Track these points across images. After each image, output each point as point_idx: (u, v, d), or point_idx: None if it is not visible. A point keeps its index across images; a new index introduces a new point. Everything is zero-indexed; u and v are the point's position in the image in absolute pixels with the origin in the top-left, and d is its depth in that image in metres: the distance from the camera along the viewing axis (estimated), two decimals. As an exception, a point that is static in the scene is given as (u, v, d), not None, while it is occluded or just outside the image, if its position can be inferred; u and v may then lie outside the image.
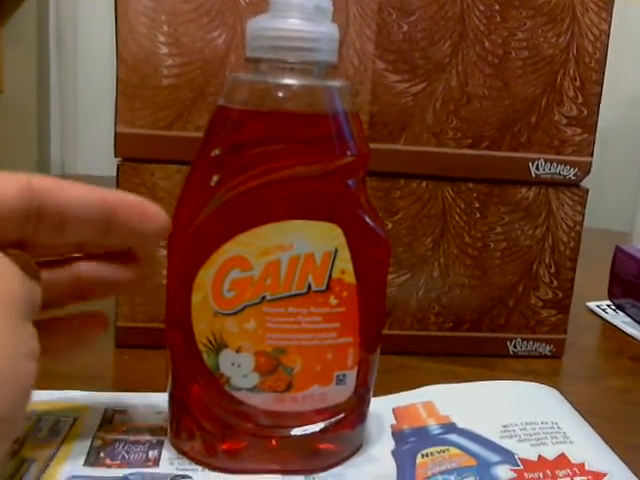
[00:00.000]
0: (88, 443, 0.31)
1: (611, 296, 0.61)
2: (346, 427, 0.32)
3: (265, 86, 0.29)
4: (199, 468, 0.30)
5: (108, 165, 0.43)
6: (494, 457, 0.32)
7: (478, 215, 0.45)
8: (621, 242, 0.64)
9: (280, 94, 0.28)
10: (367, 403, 0.33)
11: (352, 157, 0.29)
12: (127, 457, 0.31)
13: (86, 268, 0.29)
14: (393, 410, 0.36)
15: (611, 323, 0.56)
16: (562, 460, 0.32)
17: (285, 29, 0.28)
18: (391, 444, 0.33)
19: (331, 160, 0.29)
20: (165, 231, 0.29)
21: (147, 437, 0.32)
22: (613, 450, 0.34)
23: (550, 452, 0.32)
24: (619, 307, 0.60)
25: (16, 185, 0.25)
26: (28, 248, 0.27)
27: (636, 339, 0.53)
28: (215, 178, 0.29)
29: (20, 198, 0.25)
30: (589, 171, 0.45)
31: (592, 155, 0.45)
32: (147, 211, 0.28)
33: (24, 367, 0.22)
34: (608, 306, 0.60)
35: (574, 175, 0.45)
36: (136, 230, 0.28)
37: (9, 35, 1.18)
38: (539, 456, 0.32)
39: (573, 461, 0.32)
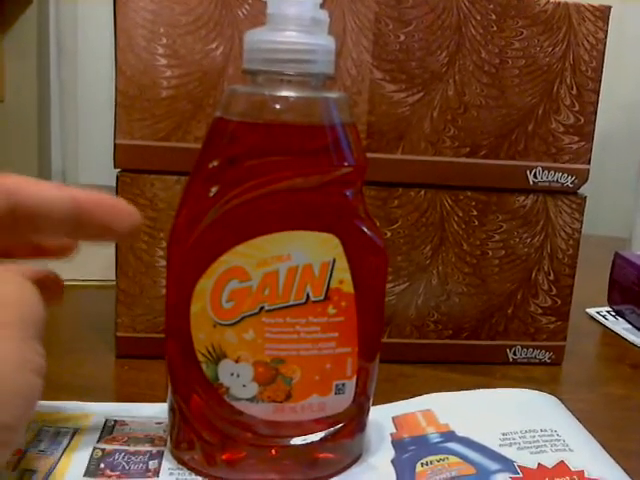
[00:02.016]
0: (88, 454, 0.32)
1: (611, 302, 0.61)
2: (346, 436, 0.32)
3: (262, 98, 0.29)
4: (199, 478, 0.30)
5: (109, 175, 0.43)
6: (494, 465, 0.32)
7: (476, 223, 0.45)
8: (620, 248, 0.64)
9: (277, 106, 0.29)
10: (366, 412, 0.33)
11: (349, 168, 0.29)
12: (127, 468, 0.31)
13: None
14: (393, 419, 0.36)
15: (611, 329, 0.56)
16: (561, 468, 0.32)
17: (282, 42, 0.28)
18: (391, 453, 0.33)
19: (328, 171, 0.29)
20: (138, 227, 0.30)
21: (147, 447, 0.32)
22: (612, 457, 0.34)
23: (549, 460, 0.32)
24: (619, 313, 0.60)
25: None
26: None
27: (636, 345, 0.53)
28: (213, 189, 0.29)
29: (3, 200, 0.26)
30: (587, 179, 0.45)
31: (589, 163, 0.45)
32: (118, 208, 0.29)
33: (31, 381, 0.24)
34: (608, 312, 0.60)
35: (572, 183, 0.45)
36: (107, 227, 0.29)
37: (10, 45, 1.19)
38: (538, 464, 0.32)
39: (572, 469, 0.32)
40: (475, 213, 0.45)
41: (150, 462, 0.31)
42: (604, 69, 0.44)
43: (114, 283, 0.43)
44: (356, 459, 0.33)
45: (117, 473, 0.30)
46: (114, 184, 0.42)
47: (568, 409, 0.38)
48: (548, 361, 0.48)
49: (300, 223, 0.29)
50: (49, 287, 0.30)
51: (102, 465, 0.31)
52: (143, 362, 0.42)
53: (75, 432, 0.33)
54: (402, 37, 0.42)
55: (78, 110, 1.21)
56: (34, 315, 0.25)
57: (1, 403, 0.22)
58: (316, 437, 0.31)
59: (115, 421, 0.34)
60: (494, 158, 0.44)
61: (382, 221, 0.44)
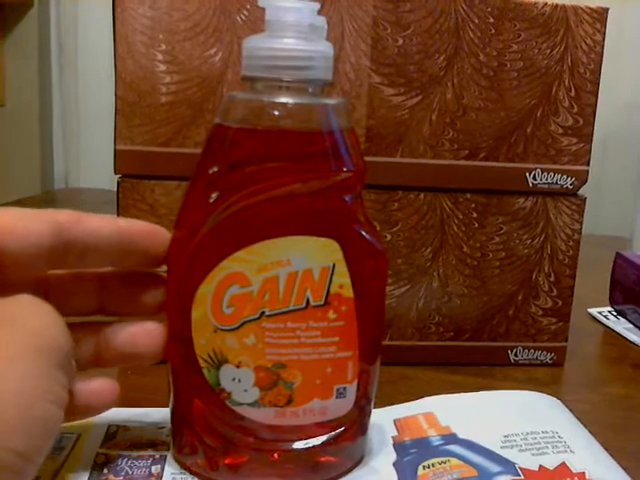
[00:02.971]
0: (91, 459, 0.32)
1: (612, 302, 0.61)
2: (347, 439, 0.32)
3: (261, 104, 0.29)
4: (202, 483, 0.31)
5: (111, 178, 0.43)
6: (495, 467, 0.32)
7: (476, 225, 0.45)
8: (621, 248, 0.64)
9: (276, 112, 0.29)
10: (368, 415, 0.33)
11: (348, 173, 0.29)
12: (130, 472, 0.31)
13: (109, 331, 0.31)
14: (394, 421, 0.36)
15: (613, 329, 0.57)
16: (563, 470, 0.32)
17: (280, 48, 0.28)
18: (392, 456, 0.34)
19: (327, 177, 0.29)
20: (162, 249, 0.30)
21: (150, 452, 0.33)
22: (614, 458, 0.34)
23: (551, 462, 0.32)
24: (620, 313, 0.60)
25: (47, 223, 0.27)
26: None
27: (638, 345, 0.53)
28: (213, 195, 0.29)
29: (51, 236, 0.27)
30: (586, 180, 0.45)
31: (589, 164, 0.45)
32: (156, 233, 0.30)
33: (50, 412, 0.23)
34: (609, 312, 0.60)
35: (571, 184, 0.45)
36: (150, 253, 0.30)
37: (11, 49, 1.19)
38: (540, 466, 0.32)
39: (574, 470, 0.32)
40: (475, 215, 0.45)
41: (153, 467, 0.31)
42: (602, 71, 0.44)
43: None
44: (358, 462, 0.33)
45: (120, 478, 0.31)
46: (115, 188, 0.42)
47: (570, 410, 0.38)
48: (549, 362, 0.48)
49: (300, 228, 0.29)
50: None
51: (105, 470, 0.31)
52: (145, 367, 0.42)
53: (78, 437, 0.33)
54: (400, 41, 0.42)
55: (79, 114, 1.21)
56: (57, 345, 0.25)
57: (16, 431, 0.22)
58: (318, 441, 0.31)
59: (118, 426, 0.35)
60: (493, 160, 0.44)
61: (382, 224, 0.44)
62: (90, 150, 1.20)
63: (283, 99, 0.29)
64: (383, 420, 0.36)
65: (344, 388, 0.31)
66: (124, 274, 0.31)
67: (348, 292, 0.30)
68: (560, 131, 0.44)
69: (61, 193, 1.15)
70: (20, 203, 0.92)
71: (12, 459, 0.21)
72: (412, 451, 0.34)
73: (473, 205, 0.45)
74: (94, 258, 0.29)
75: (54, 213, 0.28)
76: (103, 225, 0.29)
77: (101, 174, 1.08)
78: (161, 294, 0.31)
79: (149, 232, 0.30)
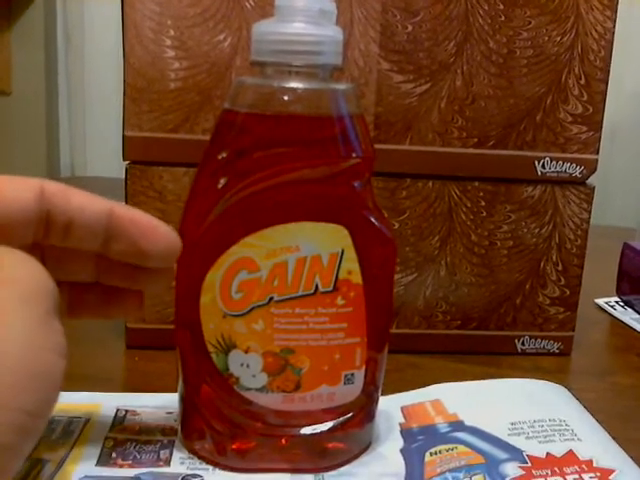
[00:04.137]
0: (100, 443, 0.32)
1: (619, 293, 0.61)
2: (355, 426, 0.32)
3: (270, 89, 0.29)
4: (210, 467, 0.31)
5: (118, 167, 0.43)
6: (502, 455, 0.32)
7: (484, 214, 0.45)
8: (629, 239, 0.64)
9: (285, 97, 0.29)
10: (375, 402, 0.33)
11: (357, 159, 0.29)
12: (139, 457, 0.31)
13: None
14: (402, 409, 0.36)
15: (620, 320, 0.56)
16: (570, 457, 0.32)
17: (290, 33, 0.28)
18: (400, 442, 0.34)
19: (337, 162, 0.29)
20: (173, 252, 0.28)
21: (158, 437, 0.33)
22: (621, 446, 0.34)
23: (558, 449, 0.32)
24: (627, 304, 0.60)
25: (31, 190, 0.26)
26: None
27: (644, 335, 0.53)
28: (222, 181, 0.29)
29: (36, 203, 0.26)
30: (595, 169, 0.45)
31: (598, 153, 0.45)
32: (153, 228, 0.28)
33: (50, 361, 0.22)
34: (617, 302, 0.60)
35: (580, 173, 0.45)
36: (139, 246, 0.28)
37: (17, 37, 1.19)
38: (547, 453, 0.32)
39: (581, 458, 0.32)
40: (483, 204, 0.45)
41: (161, 451, 0.32)
42: (613, 58, 0.44)
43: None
44: (365, 449, 0.33)
45: (129, 462, 0.31)
46: (123, 176, 0.42)
47: (577, 399, 0.38)
48: (556, 351, 0.48)
49: (309, 214, 0.29)
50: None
51: (114, 455, 0.31)
52: (153, 353, 0.43)
53: (87, 422, 0.34)
54: (410, 28, 0.42)
55: (85, 102, 1.21)
56: (45, 289, 0.23)
57: (24, 389, 0.20)
58: (325, 427, 0.31)
59: (126, 411, 0.35)
60: (502, 148, 0.44)
61: (390, 212, 0.44)
62: (96, 138, 1.20)
63: (292, 84, 0.29)
64: (390, 407, 0.36)
65: (352, 374, 0.31)
66: None
67: (357, 278, 0.30)
68: (569, 119, 0.44)
69: (67, 181, 1.15)
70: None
71: (23, 419, 0.20)
72: (419, 438, 0.34)
73: (481, 193, 0.45)
74: (79, 235, 0.27)
75: (42, 182, 0.27)
76: (91, 203, 0.27)
77: (107, 162, 1.08)
78: (163, 274, 0.30)
79: (144, 224, 0.28)
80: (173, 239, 0.28)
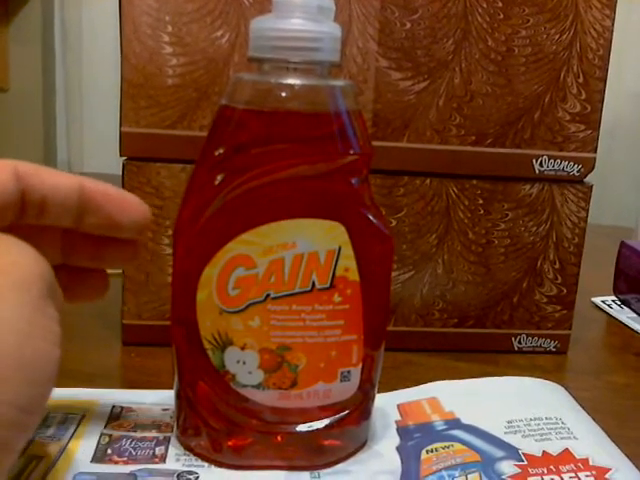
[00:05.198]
0: (95, 440, 0.32)
1: (616, 292, 0.61)
2: (351, 423, 0.32)
3: (268, 86, 0.29)
4: (205, 464, 0.31)
5: (115, 163, 0.43)
6: (498, 453, 0.32)
7: (482, 212, 0.45)
8: (626, 237, 0.64)
9: (283, 94, 0.29)
10: (372, 399, 0.33)
11: (355, 156, 0.29)
12: (134, 453, 0.31)
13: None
14: (398, 406, 0.36)
15: (616, 318, 0.56)
16: (566, 455, 0.32)
17: (287, 29, 0.28)
18: (396, 440, 0.34)
19: (334, 159, 0.29)
20: (144, 221, 0.29)
21: (154, 434, 0.33)
22: (617, 445, 0.34)
23: (554, 447, 0.32)
24: (624, 302, 0.60)
25: (8, 173, 0.26)
26: None
27: (641, 334, 0.53)
28: (219, 177, 0.29)
29: (13, 184, 0.26)
30: (593, 167, 0.45)
31: (596, 151, 0.45)
32: (125, 200, 0.29)
33: (43, 350, 0.21)
34: (613, 301, 0.60)
35: (578, 171, 0.45)
36: (112, 218, 0.29)
37: (14, 34, 1.19)
38: (543, 452, 0.32)
39: (577, 456, 0.32)
40: (481, 202, 0.45)
41: (157, 448, 0.32)
42: (611, 57, 0.44)
43: (120, 271, 0.43)
44: (361, 446, 0.33)
45: (124, 459, 0.31)
46: (119, 172, 0.42)
47: (573, 397, 0.38)
48: (553, 350, 0.48)
49: (306, 211, 0.29)
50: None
51: (109, 451, 0.31)
52: (150, 349, 0.42)
53: (82, 418, 0.33)
54: (408, 25, 0.42)
55: (83, 98, 1.21)
56: (37, 273, 0.22)
57: (13, 381, 0.19)
58: (321, 424, 0.31)
59: (122, 407, 0.35)
60: (500, 147, 0.44)
61: (388, 209, 0.44)
62: (93, 134, 1.20)
63: (290, 80, 0.29)
64: (387, 405, 0.36)
65: (348, 371, 0.31)
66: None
67: (354, 275, 0.30)
68: (568, 118, 0.44)
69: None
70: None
71: (13, 413, 0.19)
72: (416, 436, 0.34)
73: (479, 191, 0.45)
74: (54, 213, 0.28)
75: (14, 163, 0.27)
76: (63, 180, 0.28)
77: (104, 158, 1.08)
78: (130, 250, 0.31)
79: (116, 197, 0.29)
80: (144, 209, 0.29)
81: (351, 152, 0.29)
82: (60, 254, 0.30)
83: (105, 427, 0.33)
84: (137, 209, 0.29)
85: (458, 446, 0.33)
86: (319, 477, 0.31)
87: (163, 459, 0.31)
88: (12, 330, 0.20)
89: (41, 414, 0.21)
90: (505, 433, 0.34)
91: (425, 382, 0.39)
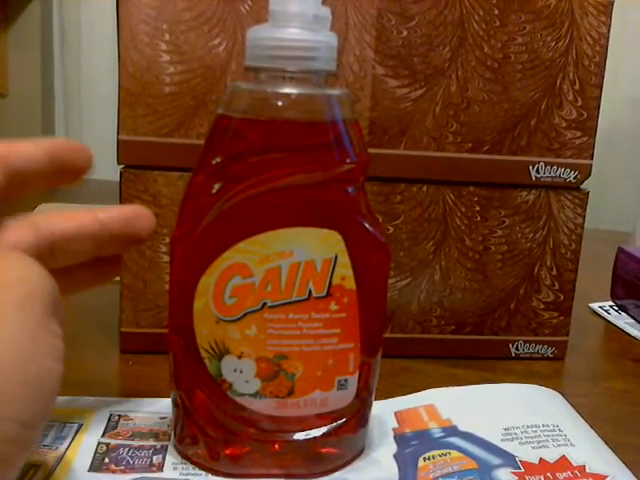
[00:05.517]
0: (93, 448, 0.32)
1: (614, 297, 0.61)
2: (348, 431, 0.32)
3: (264, 95, 0.29)
4: (203, 473, 0.31)
5: (113, 170, 0.43)
6: (495, 460, 0.32)
7: (479, 219, 0.45)
8: (623, 243, 0.64)
9: (279, 103, 0.29)
10: (369, 407, 0.33)
11: (351, 164, 0.29)
12: (131, 462, 0.31)
13: None
14: (395, 414, 0.36)
15: (614, 324, 0.57)
16: (563, 463, 0.32)
17: (284, 38, 0.28)
18: (393, 447, 0.34)
19: (330, 168, 0.29)
20: (88, 162, 0.31)
21: (151, 442, 0.33)
22: (615, 452, 0.34)
23: (551, 455, 0.32)
24: (622, 308, 0.60)
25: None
26: None
27: (639, 340, 0.53)
28: (216, 186, 0.29)
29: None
30: (589, 174, 0.45)
31: (592, 158, 0.45)
32: (80, 148, 0.30)
33: (46, 367, 0.21)
34: (611, 307, 0.60)
35: (574, 178, 0.45)
36: (77, 166, 0.30)
37: (13, 39, 1.19)
38: (540, 459, 0.32)
39: (574, 464, 0.32)
40: (478, 208, 0.45)
41: (154, 457, 0.32)
42: (607, 63, 0.44)
43: (118, 279, 0.43)
44: (359, 454, 0.33)
45: (121, 468, 0.31)
46: (117, 179, 0.42)
47: (570, 404, 0.38)
48: (551, 356, 0.48)
49: (302, 219, 0.29)
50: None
51: (106, 460, 0.31)
52: (147, 357, 0.42)
53: (80, 427, 0.33)
54: (405, 32, 0.42)
55: (82, 105, 1.21)
56: (42, 289, 0.22)
57: (15, 397, 0.19)
58: (319, 432, 0.31)
59: (119, 416, 0.35)
60: (497, 153, 0.44)
61: (384, 217, 0.44)
62: (92, 141, 1.19)
63: (287, 89, 0.29)
64: (384, 412, 0.36)
65: (345, 380, 0.31)
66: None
67: (350, 284, 0.30)
68: (564, 124, 0.44)
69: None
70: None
71: (15, 429, 0.19)
72: (413, 443, 0.34)
73: (476, 198, 0.45)
74: (32, 182, 0.29)
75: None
76: (30, 147, 0.28)
77: (103, 165, 1.08)
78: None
79: (71, 146, 0.30)
80: (87, 153, 0.31)
81: (347, 161, 0.29)
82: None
83: (102, 436, 0.33)
84: (89, 153, 0.31)
85: (455, 453, 0.33)
86: (316, 485, 0.31)
87: (160, 468, 0.31)
88: (16, 347, 0.20)
89: (43, 429, 0.21)
90: (502, 440, 0.34)
91: (422, 389, 0.39)
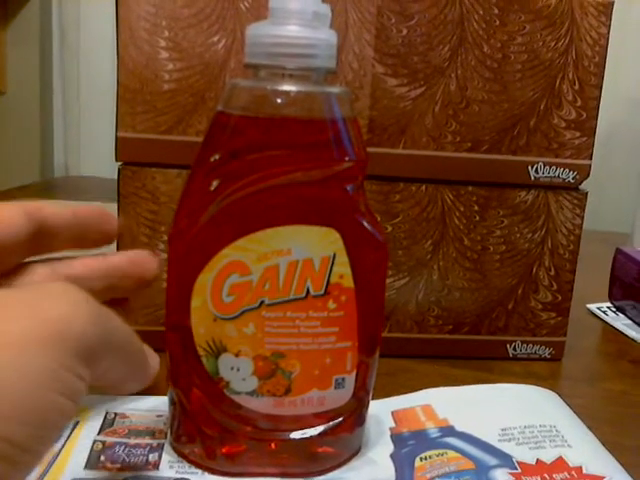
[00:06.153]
0: (89, 446, 0.32)
1: (612, 298, 0.61)
2: (345, 430, 0.32)
3: (264, 92, 0.29)
4: (199, 471, 0.31)
5: (111, 167, 0.43)
6: (492, 460, 0.32)
7: (477, 218, 0.45)
8: (621, 244, 0.64)
9: (279, 100, 0.29)
10: (366, 406, 0.33)
11: (350, 162, 0.29)
12: (127, 460, 0.31)
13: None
14: (392, 413, 0.36)
15: (611, 325, 0.56)
16: (560, 464, 0.32)
17: (283, 36, 0.28)
18: (390, 447, 0.34)
19: (329, 166, 0.29)
20: (113, 228, 0.33)
21: (147, 440, 0.33)
22: (612, 453, 0.34)
23: (548, 456, 0.32)
24: (619, 309, 0.60)
25: (21, 214, 0.29)
26: None
27: (636, 341, 0.53)
28: (214, 183, 0.29)
29: (28, 223, 0.29)
30: (588, 174, 0.45)
31: (591, 158, 0.45)
32: (105, 214, 0.33)
33: (57, 403, 0.22)
34: (608, 308, 0.60)
35: (573, 178, 0.45)
36: (104, 230, 0.33)
37: (12, 37, 1.19)
38: (537, 460, 0.32)
39: (571, 465, 0.32)
40: (476, 208, 0.45)
41: (150, 455, 0.31)
42: (607, 64, 0.44)
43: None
44: (355, 453, 0.33)
45: (117, 465, 0.30)
46: (116, 176, 0.42)
47: (567, 404, 0.38)
48: (548, 356, 0.48)
49: (301, 217, 0.29)
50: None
51: (102, 457, 0.31)
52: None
53: (76, 425, 0.33)
54: (404, 31, 0.42)
55: (80, 102, 1.20)
56: (80, 333, 0.23)
57: (12, 419, 0.21)
58: (315, 431, 0.31)
59: (115, 414, 0.35)
60: (496, 153, 0.44)
61: (383, 216, 0.44)
62: (91, 138, 1.19)
63: (286, 87, 0.29)
64: (381, 411, 0.36)
65: (343, 379, 0.31)
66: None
67: (348, 282, 0.30)
68: (563, 124, 0.44)
69: (61, 181, 1.15)
70: (20, 190, 0.92)
71: (6, 448, 0.20)
72: (410, 443, 0.34)
73: (474, 198, 0.45)
74: (60, 240, 0.31)
75: (21, 204, 0.30)
76: (60, 210, 0.31)
77: (101, 162, 1.08)
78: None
79: (98, 213, 0.32)
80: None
81: (346, 159, 0.29)
82: None
83: (99, 433, 0.33)
84: (113, 217, 0.33)
85: (452, 454, 0.33)
86: (313, 484, 0.30)
87: (157, 466, 0.31)
88: (25, 376, 0.21)
89: (41, 455, 0.22)
90: (499, 441, 0.34)
91: (420, 389, 0.39)
